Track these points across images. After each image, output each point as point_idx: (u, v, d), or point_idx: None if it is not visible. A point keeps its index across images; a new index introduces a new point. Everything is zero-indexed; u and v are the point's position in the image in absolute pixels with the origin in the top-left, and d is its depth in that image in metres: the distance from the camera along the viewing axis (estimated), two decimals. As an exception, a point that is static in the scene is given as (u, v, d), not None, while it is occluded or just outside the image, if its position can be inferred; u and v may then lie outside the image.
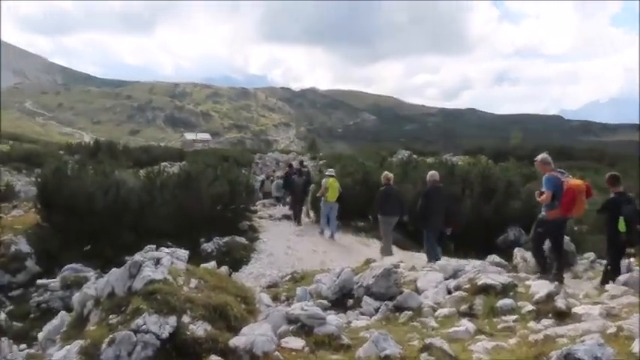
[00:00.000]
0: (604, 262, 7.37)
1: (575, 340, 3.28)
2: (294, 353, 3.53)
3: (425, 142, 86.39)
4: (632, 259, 6.73)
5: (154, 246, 4.94)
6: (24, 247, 9.87)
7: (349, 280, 5.48)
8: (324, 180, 12.48)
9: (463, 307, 4.48)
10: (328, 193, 11.92)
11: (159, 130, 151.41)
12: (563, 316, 3.98)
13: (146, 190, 11.61)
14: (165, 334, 3.62)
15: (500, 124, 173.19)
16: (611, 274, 6.52)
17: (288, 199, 16.77)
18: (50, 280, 8.42)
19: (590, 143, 78.75)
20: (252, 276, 8.86)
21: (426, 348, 3.42)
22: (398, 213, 9.60)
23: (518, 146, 42.91)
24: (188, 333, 3.70)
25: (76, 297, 4.82)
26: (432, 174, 8.97)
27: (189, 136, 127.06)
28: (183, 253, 5.10)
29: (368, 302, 5.06)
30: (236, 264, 9.51)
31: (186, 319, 3.82)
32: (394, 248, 10.07)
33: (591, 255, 8.88)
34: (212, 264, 6.05)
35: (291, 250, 10.78)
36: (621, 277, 5.82)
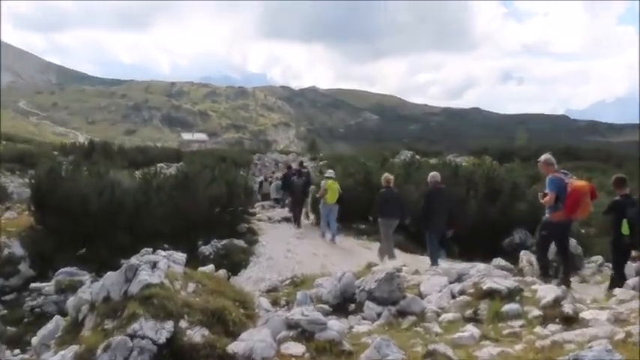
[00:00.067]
0: (612, 265, 7.38)
1: (582, 346, 3.27)
2: (294, 359, 3.53)
3: (428, 142, 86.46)
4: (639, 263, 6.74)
5: (151, 249, 4.94)
6: (17, 250, 9.87)
7: (351, 284, 5.48)
8: (323, 181, 12.51)
9: (468, 312, 4.48)
10: (327, 195, 11.93)
11: (155, 130, 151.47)
12: (570, 321, 3.97)
13: (142, 191, 11.62)
14: (162, 340, 3.62)
15: (505, 123, 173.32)
16: (615, 278, 6.53)
17: (287, 201, 16.78)
18: (44, 284, 8.42)
19: (596, 143, 78.83)
20: (251, 280, 8.86)
21: (430, 354, 3.41)
22: (398, 216, 9.62)
23: (523, 146, 42.91)
24: (185, 338, 3.70)
25: (71, 301, 4.81)
26: (434, 175, 9.00)
27: (187, 136, 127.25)
28: (181, 256, 5.10)
29: (370, 307, 5.06)
30: (235, 267, 9.52)
31: (183, 324, 3.82)
32: (396, 251, 10.07)
33: (599, 258, 8.89)
34: (210, 267, 6.05)
35: (290, 253, 10.78)
36: (630, 282, 5.81)
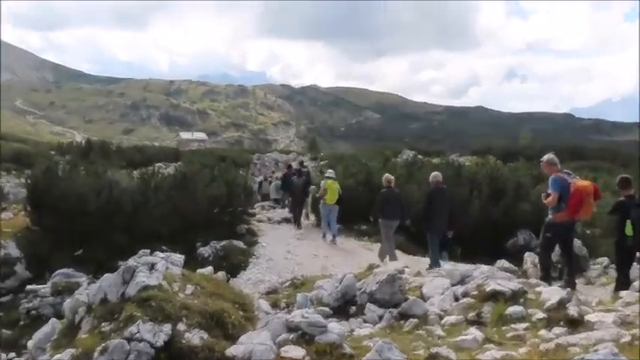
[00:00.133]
0: (615, 266, 7.38)
1: (588, 350, 3.27)
2: (294, 363, 3.52)
3: (430, 142, 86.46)
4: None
5: (148, 250, 4.94)
6: (13, 251, 9.87)
7: (352, 286, 5.48)
8: (322, 181, 12.51)
9: (471, 315, 4.47)
10: (327, 195, 11.93)
11: (153, 129, 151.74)
12: (575, 324, 3.96)
13: (140, 191, 11.62)
14: (159, 343, 3.62)
15: (509, 122, 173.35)
16: (619, 279, 6.53)
17: (287, 202, 16.78)
18: (40, 286, 8.41)
19: (602, 143, 78.67)
20: (250, 282, 8.86)
21: (433, 357, 3.41)
22: (399, 216, 9.64)
23: (527, 146, 42.85)
24: (184, 341, 3.70)
25: (67, 303, 4.82)
26: (435, 175, 9.01)
27: (185, 135, 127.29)
28: (179, 257, 5.11)
29: (371, 309, 5.06)
30: (234, 269, 9.52)
31: (181, 326, 3.82)
32: (397, 252, 10.07)
33: (605, 260, 8.87)
34: (209, 269, 6.05)
35: (290, 254, 10.78)
36: (636, 283, 5.81)
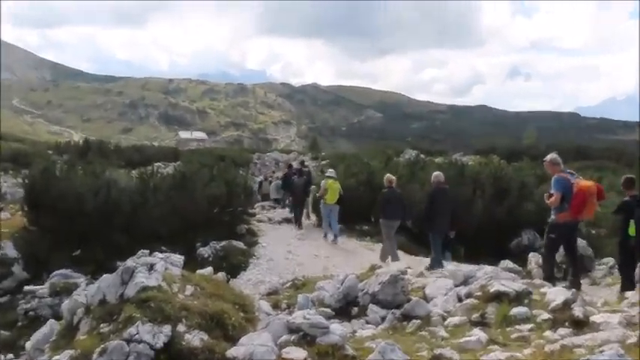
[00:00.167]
0: (618, 267, 7.39)
1: (593, 351, 3.27)
2: (295, 364, 3.52)
3: (433, 141, 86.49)
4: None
5: (148, 251, 4.95)
6: (10, 251, 9.89)
7: (354, 287, 5.48)
8: (323, 181, 12.52)
9: (474, 316, 4.47)
10: (327, 195, 11.94)
11: (152, 129, 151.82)
12: (580, 325, 3.96)
13: (139, 191, 11.63)
14: (159, 344, 3.62)
15: (513, 121, 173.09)
16: (623, 280, 6.52)
17: (287, 201, 16.79)
18: (38, 287, 8.43)
19: (607, 142, 78.52)
20: (250, 282, 8.87)
21: (436, 359, 3.41)
22: (400, 217, 9.66)
23: (532, 145, 42.83)
24: (183, 343, 3.70)
25: (66, 304, 4.83)
26: (437, 175, 9.03)
27: (184, 134, 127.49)
28: (178, 258, 5.11)
29: (374, 310, 5.06)
30: (234, 270, 9.52)
31: (181, 328, 3.82)
32: (399, 253, 10.07)
33: (610, 260, 8.87)
34: (209, 270, 6.06)
35: (291, 255, 10.79)
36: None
